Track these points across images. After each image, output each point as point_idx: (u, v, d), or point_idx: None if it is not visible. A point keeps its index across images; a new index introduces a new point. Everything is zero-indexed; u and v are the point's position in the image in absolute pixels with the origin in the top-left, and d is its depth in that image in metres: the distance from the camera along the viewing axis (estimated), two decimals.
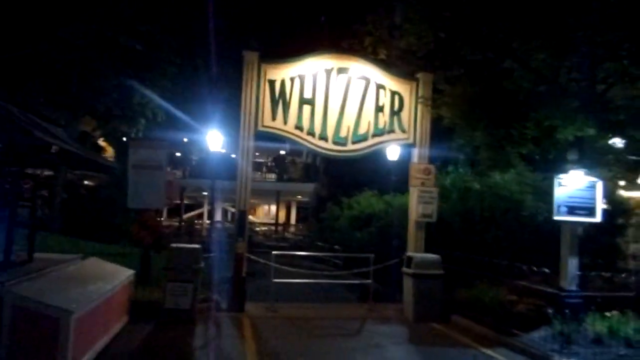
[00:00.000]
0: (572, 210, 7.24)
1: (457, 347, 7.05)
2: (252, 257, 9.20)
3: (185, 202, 37.57)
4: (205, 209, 32.25)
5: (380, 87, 9.56)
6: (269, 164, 32.93)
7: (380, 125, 9.54)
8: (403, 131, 9.65)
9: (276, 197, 29.18)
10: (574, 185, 7.28)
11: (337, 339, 7.32)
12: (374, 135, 9.52)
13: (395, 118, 9.62)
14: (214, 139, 10.74)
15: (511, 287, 8.44)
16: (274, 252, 9.40)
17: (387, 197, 14.42)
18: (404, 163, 10.32)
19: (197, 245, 7.99)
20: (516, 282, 8.39)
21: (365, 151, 9.56)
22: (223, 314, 8.33)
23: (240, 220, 8.83)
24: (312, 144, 9.27)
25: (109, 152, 28.26)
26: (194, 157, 30.12)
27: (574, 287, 7.19)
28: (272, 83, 9.13)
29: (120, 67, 12.61)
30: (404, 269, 9.00)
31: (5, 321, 4.40)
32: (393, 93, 9.62)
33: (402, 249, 9.84)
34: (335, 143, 9.34)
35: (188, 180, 29.72)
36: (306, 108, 9.24)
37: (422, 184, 9.53)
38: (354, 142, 9.42)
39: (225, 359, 6.08)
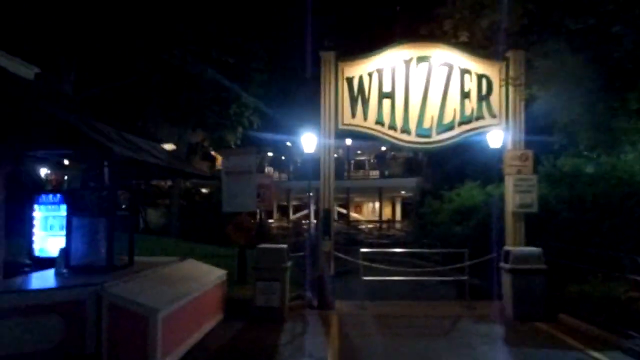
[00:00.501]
0: None
1: (559, 349, 6.38)
2: (341, 255, 9.23)
3: (294, 203, 39.15)
4: (311, 209, 33.07)
5: (465, 71, 9.01)
6: (372, 161, 32.86)
7: (467, 112, 8.99)
8: (493, 116, 8.99)
9: (379, 193, 28.98)
10: None
11: (423, 338, 7.04)
12: (461, 124, 8.99)
13: (484, 103, 8.99)
14: (308, 141, 11.02)
15: (631, 282, 7.43)
16: (362, 250, 9.34)
17: (490, 188, 13.57)
18: None
19: (283, 245, 8.23)
20: (636, 277, 7.36)
21: (453, 141, 9.07)
22: (313, 312, 8.48)
23: (325, 219, 8.92)
24: (394, 138, 9.04)
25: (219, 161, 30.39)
26: (298, 160, 31.17)
27: None
28: (350, 80, 9.09)
29: (215, 81, 13.53)
30: (502, 264, 8.38)
31: (105, 317, 4.94)
32: (480, 77, 9.01)
33: (503, 242, 9.17)
34: (418, 135, 9.00)
35: (292, 183, 30.84)
36: (386, 102, 9.04)
37: (519, 171, 8.78)
38: (439, 133, 8.99)
39: (308, 356, 6.17)
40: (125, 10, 13.11)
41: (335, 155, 29.78)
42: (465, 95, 9.00)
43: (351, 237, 22.22)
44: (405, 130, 8.99)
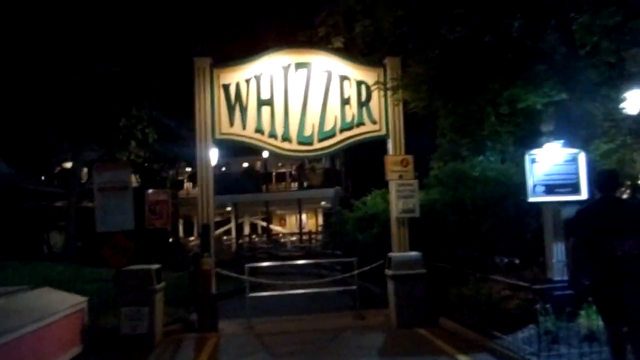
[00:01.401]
0: (550, 189, 6.33)
1: (430, 355, 6.27)
2: (224, 272, 8.74)
3: (217, 219, 38.05)
4: (233, 225, 32.24)
5: (344, 78, 8.91)
6: (293, 172, 32.61)
7: (348, 118, 8.88)
8: (374, 122, 8.93)
9: (298, 205, 28.74)
10: (550, 160, 6.36)
11: (302, 355, 6.69)
12: (343, 130, 8.85)
13: (364, 109, 8.92)
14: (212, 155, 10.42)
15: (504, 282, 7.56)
16: (247, 265, 8.92)
17: None
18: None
19: (152, 266, 7.59)
20: (507, 276, 7.50)
21: (335, 148, 8.91)
22: (192, 335, 7.89)
23: (205, 234, 8.40)
24: (274, 146, 8.73)
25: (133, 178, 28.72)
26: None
27: (559, 277, 6.25)
28: (226, 88, 8.69)
29: (101, 92, 12.63)
30: (386, 271, 8.27)
31: None
32: (359, 83, 8.94)
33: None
34: (300, 143, 8.75)
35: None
36: (265, 110, 8.73)
37: (400, 176, 8.76)
38: (320, 140, 8.80)
39: None
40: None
41: (245, 165, 28.88)
42: (345, 101, 8.89)
43: (269, 251, 21.79)
44: (286, 138, 8.71)
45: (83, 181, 19.31)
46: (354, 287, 9.02)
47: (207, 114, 8.55)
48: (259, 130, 8.67)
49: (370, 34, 8.49)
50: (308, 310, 9.43)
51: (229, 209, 31.30)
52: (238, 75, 8.73)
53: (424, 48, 8.59)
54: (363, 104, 8.91)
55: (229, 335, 7.91)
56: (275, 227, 33.13)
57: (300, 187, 29.12)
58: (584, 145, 6.58)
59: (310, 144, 8.77)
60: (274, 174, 33.98)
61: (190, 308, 8.87)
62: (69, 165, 22.20)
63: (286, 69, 8.80)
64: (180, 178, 34.03)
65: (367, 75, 8.98)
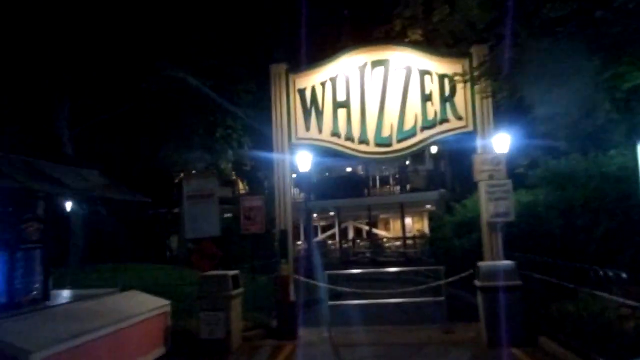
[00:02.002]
0: None
1: None
2: (302, 278, 8.59)
3: (322, 223, 38.55)
4: (336, 229, 32.40)
5: (424, 73, 8.30)
6: (397, 176, 31.87)
7: (430, 116, 8.23)
8: (459, 118, 8.17)
9: (401, 209, 27.93)
10: None
11: None
12: (424, 129, 8.23)
13: (448, 104, 8.21)
14: (302, 159, 10.51)
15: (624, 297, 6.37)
16: (327, 272, 8.67)
17: None
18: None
19: (230, 272, 7.69)
20: (627, 291, 6.31)
21: (416, 148, 8.31)
22: (270, 342, 7.85)
23: (282, 240, 8.33)
24: (351, 149, 8.39)
25: (241, 185, 30.31)
26: (312, 179, 30.73)
27: None
28: (302, 92, 8.58)
29: (196, 106, 13.38)
30: (475, 282, 7.47)
31: None
32: (442, 77, 8.25)
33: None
34: (378, 145, 8.31)
35: (312, 202, 30.34)
36: (341, 112, 8.44)
37: (491, 176, 7.90)
38: (399, 140, 8.27)
39: None
40: (109, 40, 13.25)
41: (349, 170, 28.67)
42: (426, 98, 8.26)
43: (369, 256, 21.43)
44: (363, 140, 8.33)
45: None
46: (440, 299, 8.30)
47: (284, 119, 8.52)
48: (335, 133, 8.42)
49: (453, 22, 7.80)
50: (394, 321, 8.90)
51: (331, 213, 31.51)
52: (313, 79, 8.57)
53: (517, 32, 7.71)
54: (447, 99, 8.20)
55: (306, 344, 7.73)
56: (380, 232, 32.56)
57: (403, 190, 28.25)
58: None
59: (389, 145, 8.28)
60: (377, 177, 33.55)
61: (272, 314, 8.87)
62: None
63: (362, 68, 8.44)
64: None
65: (451, 68, 8.25)
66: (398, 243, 29.01)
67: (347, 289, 8.97)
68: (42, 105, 14.53)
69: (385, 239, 31.25)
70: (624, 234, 7.66)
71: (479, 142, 8.09)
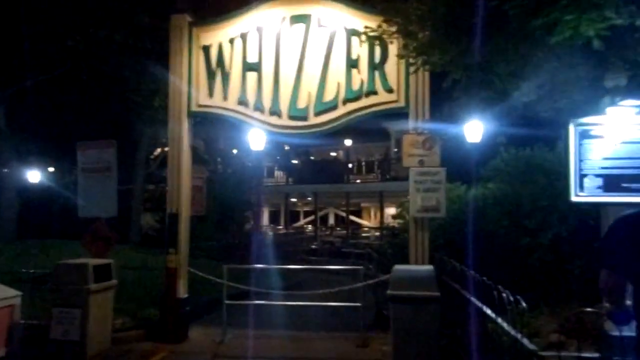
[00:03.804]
0: (612, 184, 3.79)
1: None
2: (193, 270, 7.29)
3: (306, 209, 37.28)
4: (317, 216, 31.13)
5: (352, 33, 6.86)
6: (377, 162, 30.51)
7: (355, 86, 6.82)
8: (389, 91, 6.75)
9: (380, 198, 26.61)
10: (615, 135, 3.81)
11: None
12: (347, 101, 6.83)
13: (378, 73, 6.78)
14: (255, 137, 9.17)
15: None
16: (225, 266, 7.37)
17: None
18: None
19: (92, 260, 6.39)
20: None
21: (336, 124, 6.89)
22: (147, 345, 6.59)
23: (172, 226, 7.00)
24: (260, 121, 7.02)
25: None
26: (294, 161, 29.39)
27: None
28: (206, 50, 7.17)
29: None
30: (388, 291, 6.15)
31: None
32: (373, 39, 6.81)
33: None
34: (291, 118, 6.93)
35: (290, 187, 29.10)
36: (251, 76, 7.05)
37: (421, 162, 6.54)
38: (317, 114, 6.88)
39: None
40: None
41: (333, 154, 27.15)
42: (352, 63, 6.84)
43: (336, 246, 20.18)
44: (275, 111, 6.95)
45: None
46: (357, 304, 7.01)
47: (183, 81, 7.12)
48: (242, 101, 7.03)
49: None
50: (307, 327, 7.62)
51: (309, 198, 30.24)
52: (221, 35, 7.16)
53: None
54: (376, 67, 6.78)
55: (188, 350, 6.47)
56: (360, 220, 31.34)
57: (384, 178, 26.89)
58: None
59: (305, 118, 6.90)
60: (362, 164, 32.20)
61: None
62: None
63: (279, 24, 7.02)
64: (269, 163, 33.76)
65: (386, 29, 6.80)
66: (378, 233, 27.73)
67: (245, 287, 7.67)
68: None
69: (366, 228, 30.02)
70: (576, 240, 6.32)
71: (411, 122, 6.68)
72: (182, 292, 6.97)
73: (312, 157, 32.83)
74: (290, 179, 29.83)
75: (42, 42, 12.56)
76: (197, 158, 22.80)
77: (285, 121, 6.92)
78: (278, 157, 32.55)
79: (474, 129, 9.82)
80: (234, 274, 8.06)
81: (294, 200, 33.20)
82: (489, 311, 4.25)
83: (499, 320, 3.94)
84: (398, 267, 6.12)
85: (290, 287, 9.26)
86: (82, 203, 8.13)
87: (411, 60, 5.09)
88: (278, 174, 33.77)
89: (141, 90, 12.34)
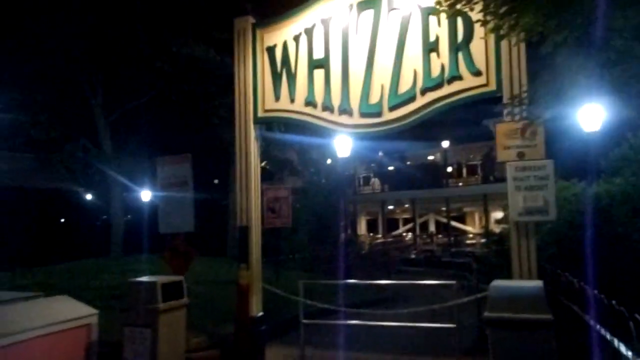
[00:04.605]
0: None
1: None
2: (270, 287, 6.78)
3: (404, 216, 35.89)
4: (416, 223, 29.73)
5: (430, 11, 5.95)
6: (479, 163, 28.37)
7: (435, 72, 5.89)
8: (476, 74, 5.71)
9: (483, 201, 24.57)
10: None
11: None
12: (427, 90, 5.91)
13: (461, 55, 5.78)
14: (341, 143, 8.84)
15: None
16: (301, 282, 6.76)
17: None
18: None
19: (161, 278, 6.14)
20: None
21: (415, 117, 5.98)
22: None
23: (242, 240, 6.58)
24: (330, 122, 6.35)
25: None
26: (390, 168, 28.31)
27: None
28: (271, 51, 6.71)
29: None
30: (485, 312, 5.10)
31: None
32: (453, 17, 5.85)
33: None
34: (364, 115, 6.17)
35: (386, 194, 28.06)
36: (318, 74, 6.43)
37: (520, 155, 5.42)
38: (392, 108, 6.04)
39: None
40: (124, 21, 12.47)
41: (431, 158, 25.75)
42: (430, 47, 5.93)
43: (436, 255, 18.82)
44: (345, 109, 6.25)
45: None
46: (452, 326, 5.99)
47: (248, 87, 6.73)
48: (310, 102, 6.44)
49: None
50: (397, 348, 6.74)
51: (407, 205, 28.96)
52: (285, 33, 6.67)
53: None
54: (459, 48, 5.79)
55: None
56: (462, 226, 29.32)
57: (486, 180, 24.83)
58: None
59: (379, 114, 6.10)
60: (462, 166, 30.23)
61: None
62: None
63: (346, 13, 6.34)
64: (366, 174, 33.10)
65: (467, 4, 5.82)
66: (484, 240, 25.64)
67: (322, 305, 6.96)
68: (75, 96, 14.29)
69: (470, 235, 27.97)
70: None
71: (505, 108, 5.59)
72: (256, 309, 6.51)
73: (408, 162, 31.59)
74: (386, 186, 28.82)
75: (133, 67, 13.22)
76: (291, 169, 22.93)
77: (356, 120, 6.19)
78: (373, 165, 31.85)
79: (592, 114, 8.30)
80: (317, 289, 7.49)
81: (391, 207, 32.08)
82: (622, 348, 3.12)
83: None
84: (498, 282, 5.05)
85: (377, 302, 8.45)
86: (162, 219, 8.11)
87: (498, 28, 4.10)
88: (374, 181, 32.99)
89: (228, 103, 12.47)
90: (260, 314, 6.57)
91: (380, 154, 28.71)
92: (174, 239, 8.06)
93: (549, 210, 5.27)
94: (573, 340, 4.83)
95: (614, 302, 3.35)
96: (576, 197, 6.84)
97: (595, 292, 3.88)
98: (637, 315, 2.79)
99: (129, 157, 15.49)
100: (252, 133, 6.72)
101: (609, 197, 6.33)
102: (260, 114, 6.71)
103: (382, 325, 6.75)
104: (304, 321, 6.49)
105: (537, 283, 4.79)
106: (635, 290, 5.26)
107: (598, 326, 3.73)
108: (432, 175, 27.09)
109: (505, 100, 5.52)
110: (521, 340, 4.62)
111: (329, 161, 25.11)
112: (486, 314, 4.79)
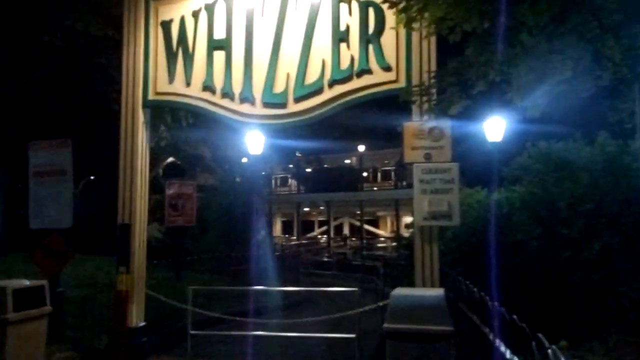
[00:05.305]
0: None
1: None
2: (153, 294, 6.01)
3: (320, 218, 35.88)
4: (331, 225, 29.74)
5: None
6: (394, 169, 29.01)
7: (344, 64, 5.49)
8: (386, 69, 5.39)
9: (395, 206, 25.11)
10: None
11: None
12: (334, 83, 5.49)
13: (372, 48, 5.43)
14: (252, 140, 8.03)
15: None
16: (191, 287, 6.07)
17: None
18: None
19: (12, 283, 5.15)
20: None
21: (322, 111, 5.53)
22: None
23: (123, 239, 5.74)
24: (230, 110, 5.73)
25: None
26: (307, 169, 28.15)
27: None
28: (166, 26, 5.96)
29: None
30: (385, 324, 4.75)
31: None
32: (365, 5, 5.48)
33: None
34: (267, 105, 5.63)
35: (302, 195, 27.80)
36: (218, 56, 5.79)
37: (427, 156, 5.16)
38: (298, 100, 5.56)
39: None
40: None
41: (347, 162, 25.70)
42: (340, 36, 5.52)
43: (346, 258, 18.75)
44: (247, 98, 5.66)
45: None
46: (351, 336, 5.61)
47: (138, 65, 5.91)
48: (208, 87, 5.77)
49: None
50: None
51: (322, 207, 28.91)
52: (184, 7, 5.95)
53: None
54: (370, 40, 5.44)
55: None
56: (375, 230, 29.82)
57: (397, 186, 25.42)
58: None
59: (283, 105, 5.59)
60: (377, 171, 30.78)
61: None
62: None
63: None
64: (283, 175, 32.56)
65: None
66: (395, 244, 26.20)
67: (213, 314, 6.33)
68: None
69: (382, 238, 28.51)
70: (632, 254, 4.86)
71: (413, 107, 5.31)
72: (137, 319, 5.70)
73: (325, 165, 31.62)
74: (302, 188, 28.55)
75: (19, 40, 11.63)
76: (203, 166, 21.77)
77: (259, 110, 5.63)
78: (290, 165, 31.46)
79: (496, 125, 8.42)
80: (217, 294, 6.80)
81: (306, 209, 31.88)
82: None
83: None
84: (399, 290, 4.72)
85: (282, 308, 7.92)
86: (34, 212, 6.99)
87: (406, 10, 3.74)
88: (292, 182, 32.62)
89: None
90: (142, 324, 5.77)
91: (298, 155, 28.38)
92: (49, 235, 6.98)
93: (453, 216, 5.06)
94: (475, 350, 4.62)
95: (514, 317, 3.09)
96: (479, 203, 6.81)
97: (496, 304, 3.65)
98: (539, 335, 2.51)
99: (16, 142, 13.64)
100: (141, 118, 5.90)
101: (509, 204, 6.34)
102: (150, 96, 5.91)
103: (280, 336, 6.22)
104: (192, 332, 5.78)
105: (439, 292, 4.52)
106: (535, 294, 5.22)
107: (497, 341, 3.48)
108: (348, 179, 27.24)
109: (413, 99, 5.24)
110: (421, 352, 4.31)
111: (244, 159, 24.31)
112: (385, 325, 4.44)
